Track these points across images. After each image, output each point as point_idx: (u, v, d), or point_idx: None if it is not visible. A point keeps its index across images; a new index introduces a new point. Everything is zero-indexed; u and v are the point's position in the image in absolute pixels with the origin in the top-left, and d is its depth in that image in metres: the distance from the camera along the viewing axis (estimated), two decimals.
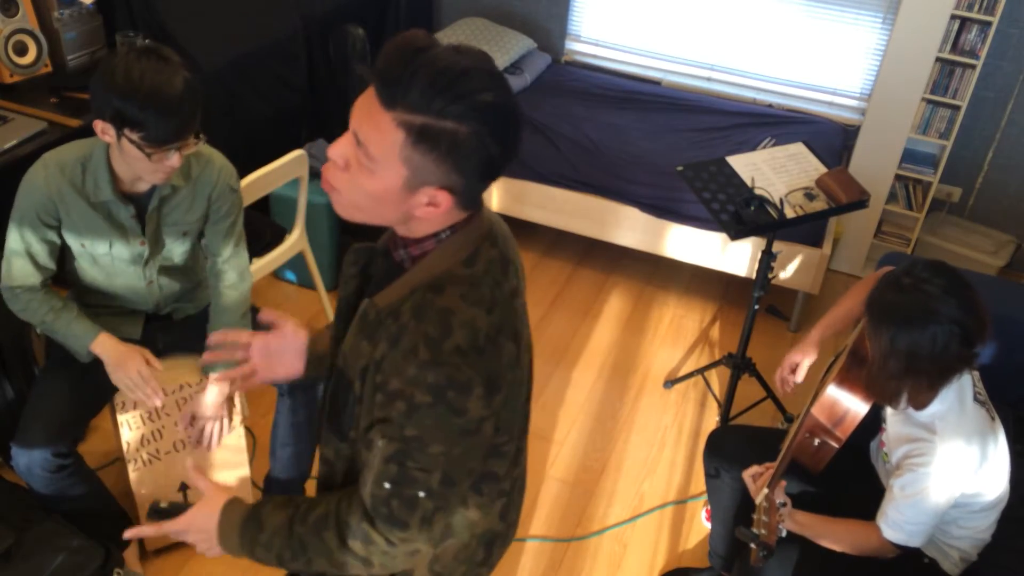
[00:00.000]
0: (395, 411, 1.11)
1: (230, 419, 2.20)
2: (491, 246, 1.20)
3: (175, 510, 1.34)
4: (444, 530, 1.27)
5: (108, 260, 2.06)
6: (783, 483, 1.89)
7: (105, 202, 1.97)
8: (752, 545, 1.82)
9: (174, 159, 1.86)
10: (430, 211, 1.12)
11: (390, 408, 1.12)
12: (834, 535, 1.88)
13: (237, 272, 2.21)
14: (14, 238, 1.98)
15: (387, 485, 1.15)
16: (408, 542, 1.19)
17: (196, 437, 2.17)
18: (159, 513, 1.38)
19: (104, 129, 1.83)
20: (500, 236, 1.23)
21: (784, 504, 1.84)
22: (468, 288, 1.14)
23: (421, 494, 1.15)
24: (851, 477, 2.06)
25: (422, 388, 1.09)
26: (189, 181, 2.04)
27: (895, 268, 1.75)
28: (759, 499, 1.86)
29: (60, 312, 2.04)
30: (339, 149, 1.12)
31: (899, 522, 1.77)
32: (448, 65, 1.03)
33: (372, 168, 1.08)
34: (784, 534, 1.82)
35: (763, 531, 1.81)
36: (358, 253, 1.30)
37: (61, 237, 2.02)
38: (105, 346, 2.06)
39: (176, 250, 2.13)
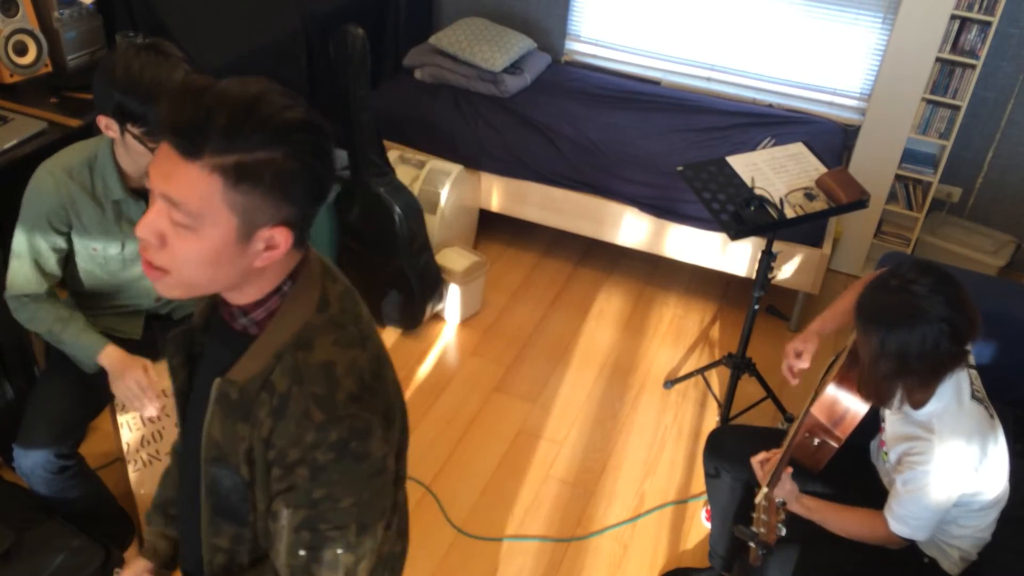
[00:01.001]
0: (298, 478, 1.07)
1: None
2: (332, 281, 1.15)
3: None
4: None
5: (119, 261, 2.06)
6: (782, 479, 1.89)
7: (117, 201, 1.97)
8: (751, 544, 1.82)
9: None
10: (271, 255, 1.04)
11: (292, 477, 1.07)
12: (842, 521, 1.89)
13: None
14: (21, 246, 1.96)
15: (302, 552, 1.10)
16: None
17: None
18: None
19: (108, 125, 1.83)
20: (331, 267, 1.19)
21: (783, 504, 1.84)
22: (337, 333, 1.09)
23: (339, 551, 1.11)
24: (852, 477, 2.06)
25: (323, 448, 1.05)
26: None
27: (883, 270, 1.76)
28: (759, 498, 1.86)
29: (67, 323, 2.02)
30: (149, 226, 1.01)
31: (903, 516, 1.78)
32: (239, 95, 0.97)
33: (197, 227, 0.99)
34: (784, 533, 1.82)
35: (762, 530, 1.82)
36: (177, 342, 1.23)
37: (69, 243, 2.00)
38: (111, 357, 2.05)
39: None
